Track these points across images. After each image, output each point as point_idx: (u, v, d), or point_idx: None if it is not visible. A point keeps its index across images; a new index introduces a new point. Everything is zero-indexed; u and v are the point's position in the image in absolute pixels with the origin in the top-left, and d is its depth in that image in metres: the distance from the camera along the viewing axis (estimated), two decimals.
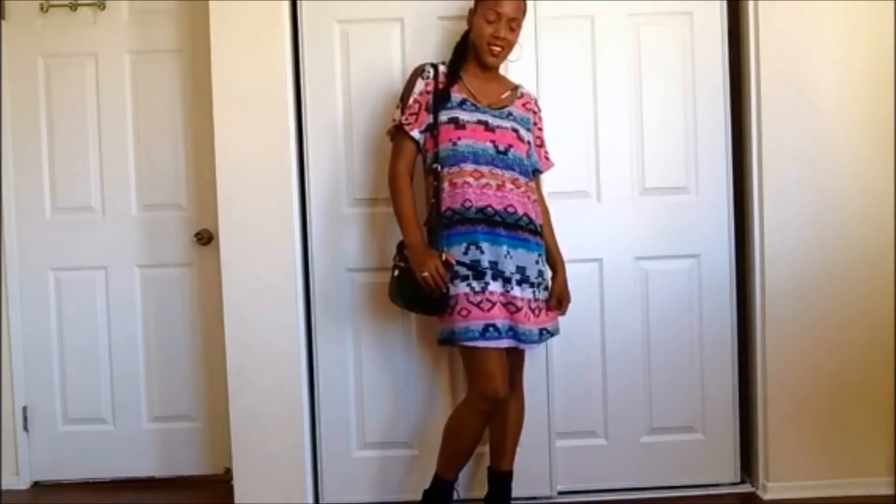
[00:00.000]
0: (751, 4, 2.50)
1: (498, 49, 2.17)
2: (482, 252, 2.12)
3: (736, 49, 2.60)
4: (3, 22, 2.80)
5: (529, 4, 2.47)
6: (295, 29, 2.51)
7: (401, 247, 2.20)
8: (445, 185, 2.15)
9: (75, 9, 2.80)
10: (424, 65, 2.24)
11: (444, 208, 2.15)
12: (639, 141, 2.57)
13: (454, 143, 2.15)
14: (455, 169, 2.14)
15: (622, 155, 2.57)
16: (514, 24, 2.17)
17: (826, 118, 2.51)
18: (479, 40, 2.17)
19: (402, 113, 2.20)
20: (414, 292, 2.13)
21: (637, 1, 2.55)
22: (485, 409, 2.14)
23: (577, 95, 2.56)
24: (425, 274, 2.08)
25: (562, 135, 2.53)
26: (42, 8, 2.80)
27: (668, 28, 2.56)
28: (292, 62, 2.49)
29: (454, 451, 2.22)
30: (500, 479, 2.34)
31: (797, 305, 2.52)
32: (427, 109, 2.18)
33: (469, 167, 2.14)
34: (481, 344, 2.09)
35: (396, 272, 2.19)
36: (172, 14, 2.80)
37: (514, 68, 2.45)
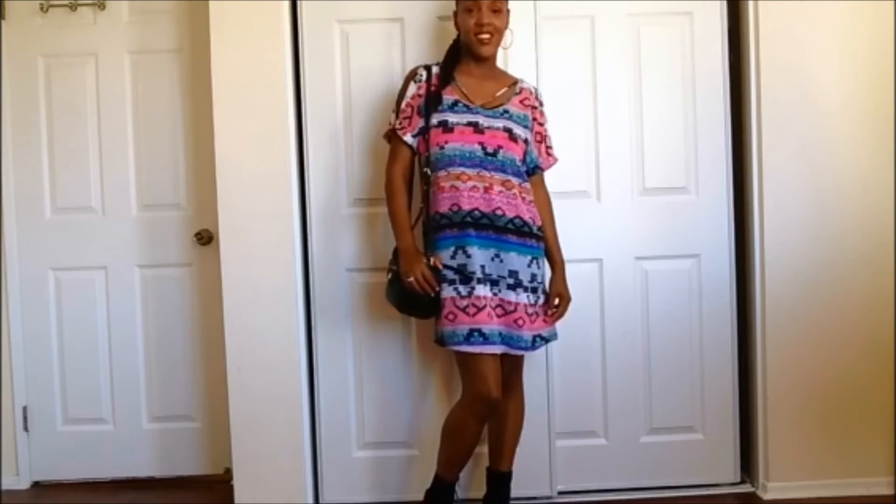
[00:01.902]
0: (751, 4, 2.50)
1: (486, 36, 2.12)
2: (469, 256, 2.11)
3: (736, 49, 2.60)
4: (3, 22, 2.80)
5: (529, 4, 2.49)
6: (295, 29, 2.51)
7: (396, 250, 2.21)
8: (435, 188, 2.15)
9: (75, 9, 2.80)
10: (417, 68, 2.24)
11: (433, 212, 2.16)
12: (639, 141, 2.57)
13: (441, 147, 2.14)
14: (443, 172, 2.14)
15: (622, 155, 2.57)
16: (497, 6, 2.13)
17: (826, 118, 2.51)
18: (467, 34, 2.15)
19: (397, 117, 2.20)
20: (403, 296, 2.16)
21: (637, 1, 2.55)
22: (479, 411, 2.13)
23: (577, 95, 2.56)
24: (410, 279, 2.10)
25: (562, 135, 2.53)
26: (42, 8, 2.80)
27: (668, 28, 2.56)
28: (292, 62, 2.49)
29: (453, 453, 2.21)
30: (500, 480, 2.33)
31: (797, 305, 2.52)
32: (419, 113, 2.18)
33: (457, 170, 2.12)
34: (466, 349, 2.09)
35: (389, 275, 2.21)
36: (172, 14, 2.80)
37: (515, 68, 2.45)
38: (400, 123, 2.19)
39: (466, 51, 2.20)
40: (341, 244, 2.54)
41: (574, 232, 2.53)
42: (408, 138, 2.19)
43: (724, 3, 2.56)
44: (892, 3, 2.49)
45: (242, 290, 2.46)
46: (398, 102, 2.22)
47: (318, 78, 2.52)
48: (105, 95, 2.82)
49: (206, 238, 2.80)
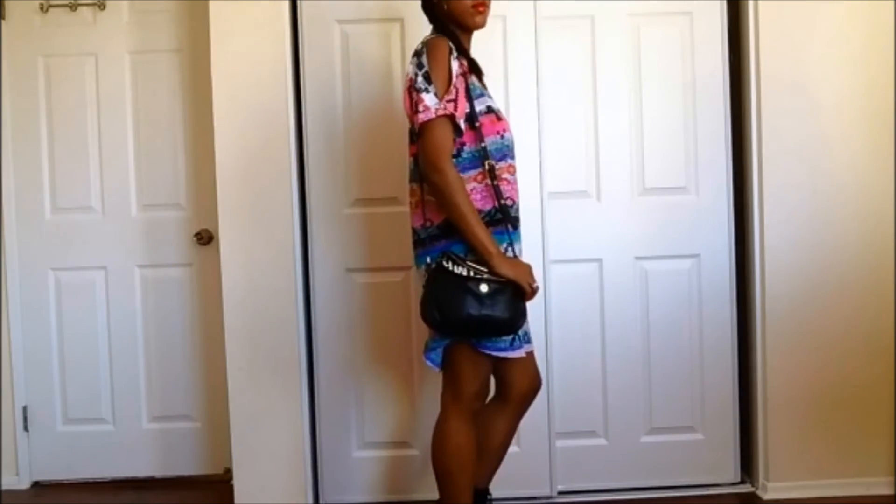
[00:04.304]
0: (751, 4, 2.50)
1: (483, 8, 1.94)
2: (516, 254, 1.95)
3: (736, 49, 2.60)
4: (3, 22, 2.80)
5: (529, 4, 2.49)
6: (295, 29, 2.51)
7: (450, 257, 1.86)
8: (497, 181, 1.91)
9: (75, 9, 2.80)
10: (445, 40, 1.90)
11: (489, 206, 1.92)
12: (639, 141, 2.57)
13: (502, 137, 1.94)
14: (503, 164, 1.93)
15: (622, 155, 2.57)
16: None
17: (826, 118, 2.51)
18: (462, 11, 1.93)
19: (439, 99, 1.83)
20: (518, 307, 1.87)
21: (637, 1, 2.55)
22: (477, 409, 2.00)
23: (577, 95, 2.56)
24: (536, 284, 1.89)
25: (562, 135, 2.53)
26: (42, 8, 2.80)
27: (668, 28, 2.56)
28: (292, 62, 2.49)
29: (469, 470, 1.96)
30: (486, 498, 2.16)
31: (797, 305, 2.52)
32: (466, 96, 1.88)
33: (509, 162, 1.95)
34: (511, 354, 1.93)
35: (486, 287, 1.82)
36: (172, 14, 2.80)
37: (515, 68, 2.45)
38: (444, 106, 1.83)
39: (459, 28, 1.96)
40: (341, 244, 2.54)
41: (574, 232, 2.53)
42: (461, 124, 1.86)
43: (724, 2, 2.56)
44: (892, 3, 2.49)
45: (242, 290, 2.46)
46: (437, 80, 1.84)
47: (318, 78, 2.52)
48: (105, 95, 2.82)
49: (206, 238, 2.80)
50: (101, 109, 2.82)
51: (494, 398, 2.10)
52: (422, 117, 1.83)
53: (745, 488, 2.61)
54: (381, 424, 2.58)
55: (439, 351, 1.96)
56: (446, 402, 2.01)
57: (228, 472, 2.74)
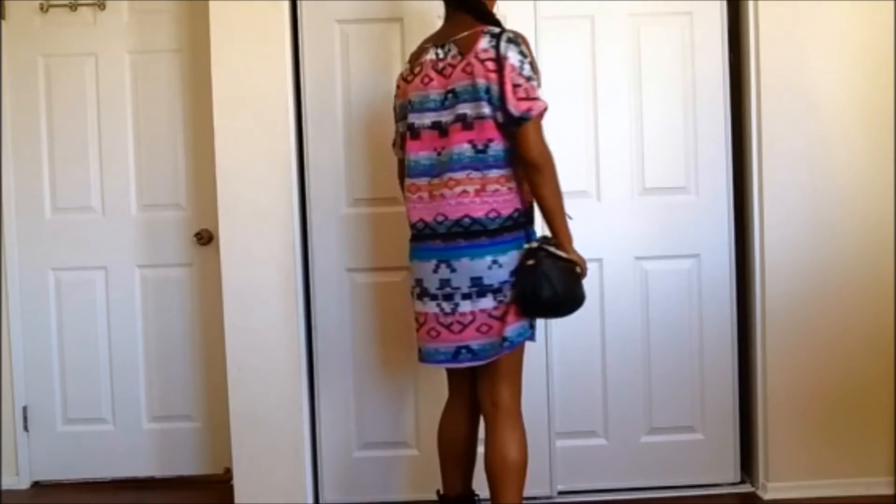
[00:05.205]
0: (751, 4, 2.50)
1: None
2: None
3: (736, 49, 2.60)
4: (3, 22, 2.80)
5: (529, 4, 2.49)
6: (295, 29, 2.51)
7: (549, 241, 1.95)
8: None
9: (75, 9, 2.80)
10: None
11: (528, 203, 2.01)
12: (639, 141, 2.57)
13: None
14: None
15: (622, 155, 2.57)
16: None
17: (826, 118, 2.51)
18: None
19: (538, 87, 1.92)
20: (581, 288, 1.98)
21: (637, 1, 2.55)
22: None
23: (577, 95, 2.56)
24: (587, 266, 1.99)
25: (562, 135, 2.53)
26: (42, 8, 2.80)
27: (668, 28, 2.56)
28: (292, 62, 2.49)
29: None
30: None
31: (797, 305, 2.52)
32: None
33: None
34: (532, 341, 2.01)
35: (579, 269, 1.96)
36: (172, 14, 2.80)
37: None
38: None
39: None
40: (341, 244, 2.54)
41: (574, 232, 2.51)
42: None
43: (724, 2, 2.56)
44: (892, 3, 2.49)
45: (242, 290, 2.46)
46: (536, 71, 1.92)
47: (318, 78, 2.52)
48: (105, 95, 2.82)
49: (206, 238, 2.81)
50: (101, 109, 2.82)
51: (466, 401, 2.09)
52: (540, 105, 1.89)
53: (745, 488, 2.61)
54: (381, 424, 2.58)
55: (518, 339, 1.92)
56: (508, 401, 1.97)
57: (228, 472, 2.74)
